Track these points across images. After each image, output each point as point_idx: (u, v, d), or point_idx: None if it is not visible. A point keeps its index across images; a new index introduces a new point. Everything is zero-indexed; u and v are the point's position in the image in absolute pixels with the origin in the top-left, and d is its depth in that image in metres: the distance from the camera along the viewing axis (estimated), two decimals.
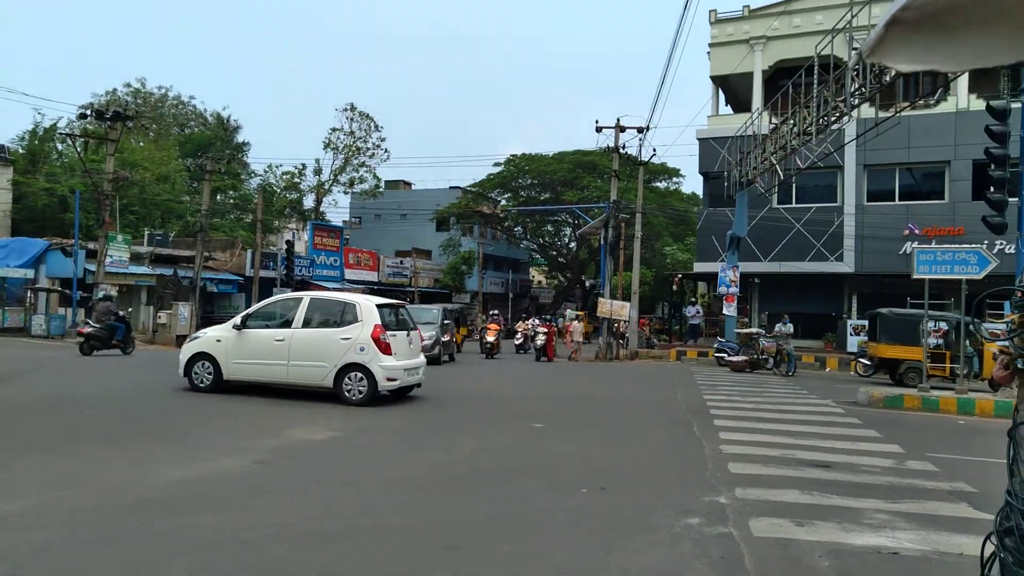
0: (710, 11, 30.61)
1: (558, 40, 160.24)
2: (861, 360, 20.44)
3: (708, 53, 30.97)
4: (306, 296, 12.18)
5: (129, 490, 5.89)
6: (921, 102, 23.63)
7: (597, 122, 27.65)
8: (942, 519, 5.88)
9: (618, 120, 27.51)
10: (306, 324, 11.52)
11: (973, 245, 15.64)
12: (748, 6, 29.88)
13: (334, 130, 47.81)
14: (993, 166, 13.64)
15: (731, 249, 25.61)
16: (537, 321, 29.88)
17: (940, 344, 18.34)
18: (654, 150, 34.59)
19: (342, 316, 11.53)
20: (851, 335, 26.43)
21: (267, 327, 11.75)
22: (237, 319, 12.12)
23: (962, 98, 26.17)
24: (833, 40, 17.86)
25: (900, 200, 27.39)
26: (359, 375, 11.12)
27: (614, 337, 26.55)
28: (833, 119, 18.77)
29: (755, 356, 21.28)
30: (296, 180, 48.13)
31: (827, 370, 23.47)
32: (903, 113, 18.50)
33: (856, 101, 17.58)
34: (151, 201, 38.94)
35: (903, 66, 1.58)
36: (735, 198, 25.53)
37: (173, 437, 8.35)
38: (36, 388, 12.12)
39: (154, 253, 32.20)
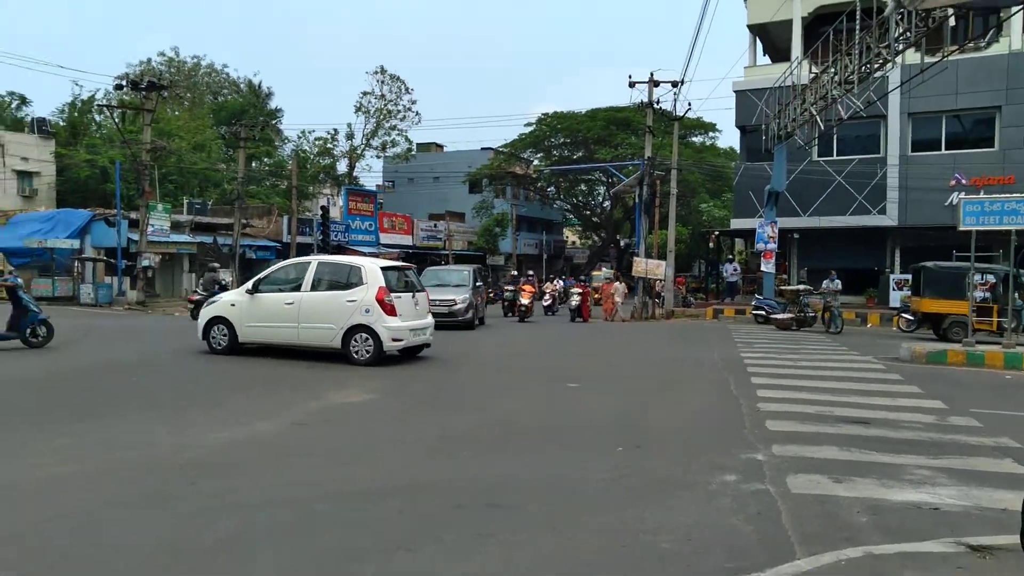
0: None
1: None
2: (904, 315, 20.01)
3: (745, 1, 29.97)
4: (314, 260, 12.53)
5: (177, 453, 6.11)
6: (971, 45, 22.63)
7: (630, 77, 27.09)
8: (985, 475, 5.80)
9: (651, 75, 26.94)
10: (315, 287, 11.86)
11: None
12: None
13: (365, 94, 47.77)
14: None
15: (769, 204, 25.08)
16: (571, 281, 29.69)
17: (987, 298, 17.84)
18: (689, 104, 33.97)
19: (348, 279, 11.84)
20: (893, 290, 25.85)
21: (279, 291, 12.11)
22: (249, 284, 12.57)
23: (1015, 39, 24.97)
24: None
25: (946, 149, 26.42)
26: (365, 336, 11.43)
27: (650, 296, 26.38)
28: (876, 66, 18.07)
29: (802, 314, 20.80)
30: (329, 145, 48.34)
31: (868, 326, 23.06)
32: (951, 58, 17.73)
33: (900, 47, 16.88)
34: (188, 170, 39.51)
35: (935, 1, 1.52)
36: (773, 152, 24.89)
37: (214, 401, 8.61)
38: (85, 355, 12.55)
39: (194, 221, 32.79)
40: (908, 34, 16.29)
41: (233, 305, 12.22)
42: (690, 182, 42.43)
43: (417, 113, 49.74)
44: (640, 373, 11.99)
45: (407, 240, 43.97)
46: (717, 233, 36.73)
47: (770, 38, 31.63)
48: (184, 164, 38.64)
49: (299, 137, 49.88)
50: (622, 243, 51.79)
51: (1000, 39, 24.82)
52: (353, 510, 4.79)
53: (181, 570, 3.84)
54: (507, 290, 26.47)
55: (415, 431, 7.26)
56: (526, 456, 6.31)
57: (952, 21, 15.80)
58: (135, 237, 26.96)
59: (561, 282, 29.08)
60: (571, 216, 60.10)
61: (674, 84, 26.92)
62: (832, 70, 19.96)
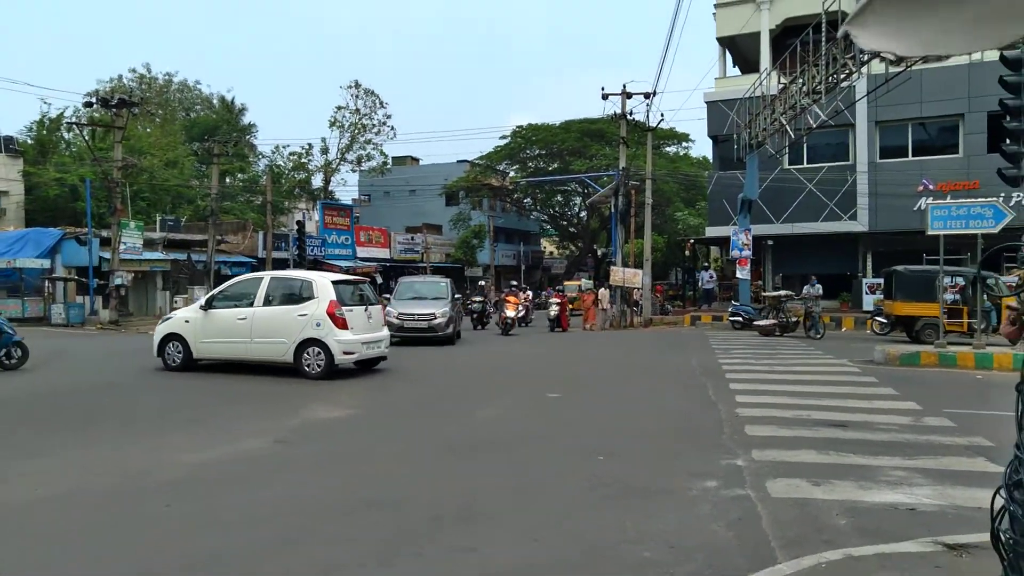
0: None
1: (561, 5, 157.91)
2: (877, 319, 20.30)
3: (714, 14, 30.42)
4: (266, 276, 12.81)
5: (153, 474, 6.00)
6: (933, 56, 23.18)
7: (603, 89, 27.32)
8: (960, 474, 5.88)
9: (624, 86, 27.19)
10: (267, 303, 11.96)
11: (989, 199, 15.40)
12: None
13: (339, 108, 47.62)
14: (1008, 117, 13.36)
15: (743, 212, 25.39)
16: (549, 292, 29.47)
17: (957, 300, 18.18)
18: (662, 115, 34.35)
19: (300, 293, 11.99)
20: (866, 294, 26.25)
21: (232, 307, 12.19)
22: (202, 300, 12.70)
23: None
24: None
25: (913, 156, 26.97)
26: (317, 350, 11.50)
27: (628, 305, 26.51)
28: (843, 76, 18.44)
29: (784, 319, 20.96)
30: (303, 160, 48.09)
31: (843, 330, 23.36)
32: (914, 67, 18.13)
33: (866, 57, 17.22)
34: (161, 187, 39.07)
35: (865, 43, 1.59)
36: (745, 161, 25.24)
37: (192, 420, 8.47)
38: (58, 377, 12.30)
39: (167, 238, 32.39)
40: None
41: (187, 322, 12.41)
42: (665, 191, 42.80)
43: (392, 127, 49.73)
44: (619, 381, 12.03)
45: (384, 253, 43.80)
46: (692, 241, 37.10)
47: (739, 50, 32.12)
48: (156, 181, 38.21)
49: (273, 152, 49.70)
50: (599, 252, 52.03)
51: None
52: (332, 526, 4.73)
53: None
54: (475, 301, 25.23)
55: (396, 445, 7.20)
56: (506, 467, 6.29)
57: None
58: (107, 256, 26.55)
59: (529, 292, 27.81)
60: (548, 227, 60.29)
61: (646, 95, 27.20)
62: (800, 80, 20.31)
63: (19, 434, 7.67)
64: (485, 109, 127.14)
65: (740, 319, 23.15)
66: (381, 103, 48.59)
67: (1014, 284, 2.36)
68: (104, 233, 27.54)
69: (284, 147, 56.59)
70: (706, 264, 40.33)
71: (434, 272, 40.78)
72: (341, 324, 11.49)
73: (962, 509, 4.97)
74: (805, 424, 7.87)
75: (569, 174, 43.91)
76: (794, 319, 20.78)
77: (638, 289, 26.99)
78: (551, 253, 68.02)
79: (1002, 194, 18.57)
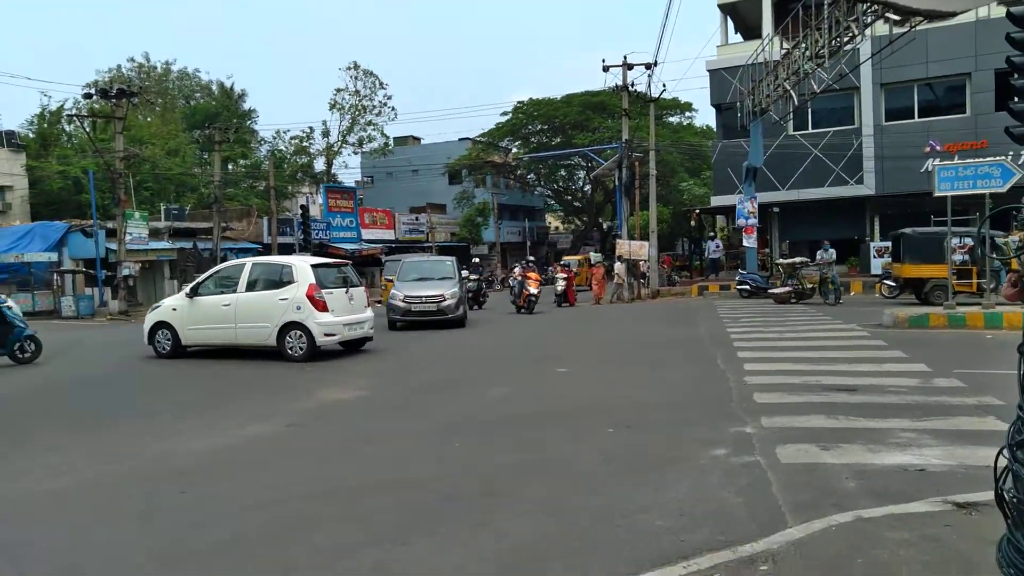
0: None
1: None
2: (886, 282, 20.20)
3: None
4: (248, 262, 12.99)
5: (169, 461, 6.08)
6: (939, 14, 22.81)
7: (604, 61, 27.08)
8: (969, 434, 5.89)
9: (625, 58, 26.94)
10: (249, 288, 12.28)
11: (997, 158, 15.25)
12: None
13: (339, 90, 47.31)
14: (1016, 75, 13.16)
15: (748, 180, 25.21)
16: (552, 269, 29.16)
17: (966, 260, 18.06)
18: (664, 85, 33.69)
19: (280, 278, 12.24)
20: (874, 258, 26.11)
21: (216, 294, 12.48)
22: (188, 288, 13.00)
23: (981, 7, 25.14)
24: None
25: (920, 117, 26.66)
26: (299, 332, 11.75)
27: (635, 277, 26.48)
28: (846, 39, 18.19)
29: (800, 286, 20.67)
30: (305, 144, 47.92)
31: (852, 294, 23.26)
32: (919, 27, 17.86)
33: (869, 19, 17.00)
34: (164, 176, 39.07)
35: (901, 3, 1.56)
36: (749, 128, 25.00)
37: (205, 406, 8.56)
38: (70, 368, 12.44)
39: (172, 227, 32.45)
40: (875, 6, 16.39)
41: (175, 310, 12.73)
42: (669, 162, 42.55)
43: (393, 108, 49.48)
44: (628, 354, 12.06)
45: (389, 235, 43.78)
46: (698, 211, 36.90)
47: (741, 16, 31.69)
48: (159, 170, 38.20)
49: (274, 137, 49.47)
50: (605, 226, 51.89)
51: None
52: (347, 507, 4.80)
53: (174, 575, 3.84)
54: (469, 279, 23.94)
55: (407, 426, 7.26)
56: (518, 443, 6.34)
57: None
58: (113, 247, 26.66)
59: (519, 267, 26.62)
60: (552, 202, 60.10)
61: (648, 66, 26.93)
62: (803, 45, 20.05)
63: (38, 427, 7.77)
64: (486, 87, 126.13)
65: (748, 287, 23.09)
66: (381, 84, 48.26)
67: (1014, 246, 2.35)
68: (109, 224, 27.62)
69: (285, 132, 56.24)
70: (712, 234, 40.19)
71: (439, 252, 40.81)
72: (321, 307, 11.74)
73: (971, 468, 4.99)
74: (814, 390, 7.89)
75: (572, 148, 43.67)
76: (809, 286, 20.58)
77: (645, 261, 26.94)
78: (556, 228, 67.89)
79: (1010, 153, 18.40)
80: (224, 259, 30.61)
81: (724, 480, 5.00)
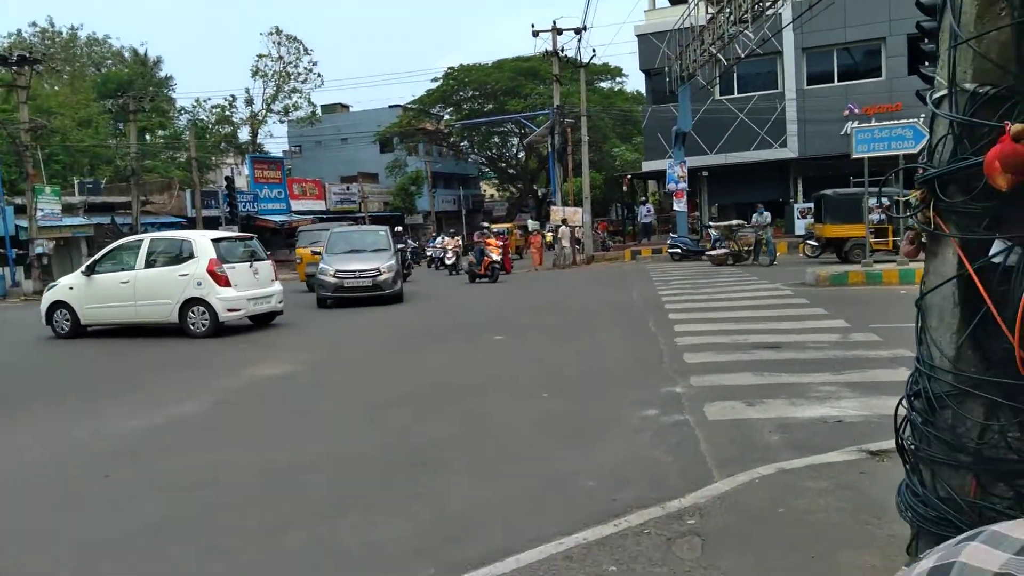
0: None
1: None
2: (809, 242, 20.94)
3: None
4: (146, 237, 12.76)
5: (91, 445, 5.85)
6: None
7: (533, 26, 26.92)
8: (883, 385, 6.19)
9: (554, 23, 26.80)
10: (149, 264, 12.05)
11: (910, 120, 15.87)
12: None
13: (261, 56, 45.49)
14: (925, 40, 13.68)
15: (677, 145, 25.61)
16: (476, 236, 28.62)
17: (883, 220, 18.85)
18: (593, 51, 33.90)
19: (180, 253, 12.00)
20: (798, 219, 27.01)
21: (115, 271, 12.14)
22: (84, 266, 12.66)
23: None
24: None
25: (839, 81, 27.49)
26: (201, 308, 11.59)
27: (570, 243, 26.67)
28: (768, 4, 18.50)
29: (736, 249, 21.06)
30: (228, 113, 46.05)
31: (778, 255, 24.02)
32: None
33: None
34: (76, 148, 37.00)
35: None
36: (678, 93, 25.32)
37: (128, 387, 8.25)
38: None
39: (87, 202, 30.91)
40: None
41: (72, 288, 12.37)
42: (601, 128, 42.71)
43: (319, 75, 47.93)
44: (563, 320, 12.18)
45: (320, 205, 42.75)
46: (630, 176, 37.32)
47: None
48: (70, 142, 36.15)
49: (195, 106, 47.14)
50: (540, 193, 51.92)
51: None
52: (283, 484, 4.73)
53: (97, 560, 3.72)
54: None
55: (340, 400, 7.18)
56: (452, 412, 6.35)
57: None
58: (24, 224, 25.23)
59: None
60: (487, 169, 59.68)
61: (577, 31, 26.90)
62: (728, 10, 20.30)
63: None
64: (414, 53, 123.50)
65: (679, 251, 23.60)
66: (306, 50, 46.61)
67: (912, 204, 2.45)
68: (18, 200, 26.12)
69: (206, 100, 54.02)
70: (644, 198, 40.72)
71: (373, 222, 40.11)
72: (223, 282, 11.55)
73: (884, 418, 5.23)
74: (741, 348, 8.16)
75: (504, 115, 43.32)
76: (746, 248, 21.06)
77: (579, 227, 27.16)
78: (492, 196, 67.57)
79: (922, 115, 19.08)
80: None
81: (654, 439, 5.13)
